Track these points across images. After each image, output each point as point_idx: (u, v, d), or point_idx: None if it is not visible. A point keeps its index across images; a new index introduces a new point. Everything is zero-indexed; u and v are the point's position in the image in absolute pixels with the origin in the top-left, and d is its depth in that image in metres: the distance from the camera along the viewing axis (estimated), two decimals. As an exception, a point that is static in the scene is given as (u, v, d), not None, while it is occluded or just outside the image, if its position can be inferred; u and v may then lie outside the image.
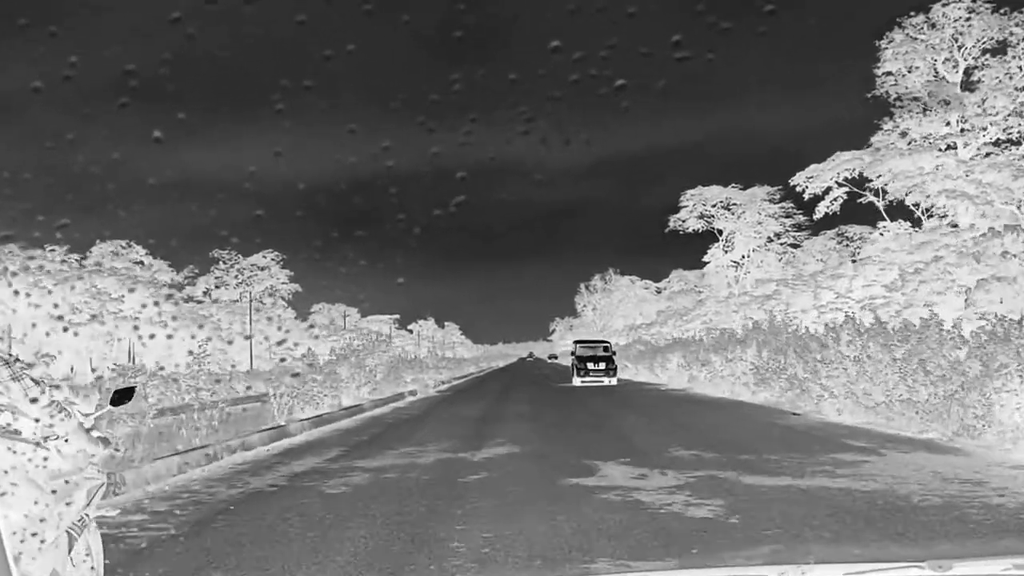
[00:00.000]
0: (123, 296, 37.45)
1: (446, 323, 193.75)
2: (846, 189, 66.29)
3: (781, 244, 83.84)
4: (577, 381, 48.43)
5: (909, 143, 51.88)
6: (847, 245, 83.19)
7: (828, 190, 67.24)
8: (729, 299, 75.69)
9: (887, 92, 54.29)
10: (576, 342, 52.15)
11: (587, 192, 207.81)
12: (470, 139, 3.53)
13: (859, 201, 66.80)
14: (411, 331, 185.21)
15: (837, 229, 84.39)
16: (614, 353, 52.14)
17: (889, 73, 52.95)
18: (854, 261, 76.78)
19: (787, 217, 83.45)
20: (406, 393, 39.14)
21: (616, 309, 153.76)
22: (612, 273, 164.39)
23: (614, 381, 49.88)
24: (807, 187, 68.06)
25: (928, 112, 50.57)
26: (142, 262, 73.08)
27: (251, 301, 69.35)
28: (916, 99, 50.19)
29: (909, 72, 51.51)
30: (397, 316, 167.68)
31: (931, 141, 51.38)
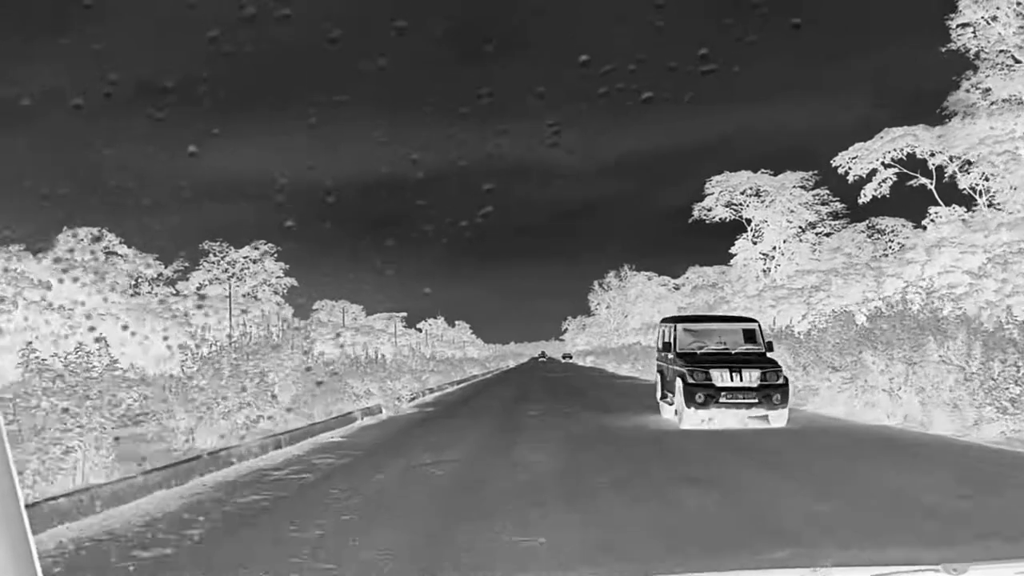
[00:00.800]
0: (49, 283, 31.20)
1: (457, 322, 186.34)
2: (895, 170, 59.56)
3: (816, 234, 76.97)
4: (689, 418, 21.71)
5: (991, 104, 45.06)
6: (877, 238, 76.53)
7: (873, 172, 60.56)
8: (763, 292, 68.92)
9: (965, 46, 47.15)
10: (674, 321, 24.88)
11: (601, 192, 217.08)
12: (499, 150, 3.73)
13: (910, 184, 60.04)
14: (419, 330, 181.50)
15: (868, 221, 77.80)
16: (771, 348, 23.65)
17: (966, 25, 46.05)
18: (885, 255, 70.07)
19: (823, 205, 76.60)
20: (357, 414, 25.35)
21: (632, 307, 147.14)
22: (627, 270, 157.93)
23: (783, 416, 21.95)
24: (850, 168, 61.33)
25: (1017, 67, 43.62)
26: (115, 252, 66.87)
27: (230, 295, 63.05)
28: (1003, 51, 43.12)
29: (992, 22, 44.57)
30: (404, 314, 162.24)
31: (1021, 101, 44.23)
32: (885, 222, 77.22)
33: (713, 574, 4.54)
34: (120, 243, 67.95)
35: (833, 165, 61.92)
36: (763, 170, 79.20)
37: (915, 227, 77.75)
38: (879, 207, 61.78)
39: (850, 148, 60.93)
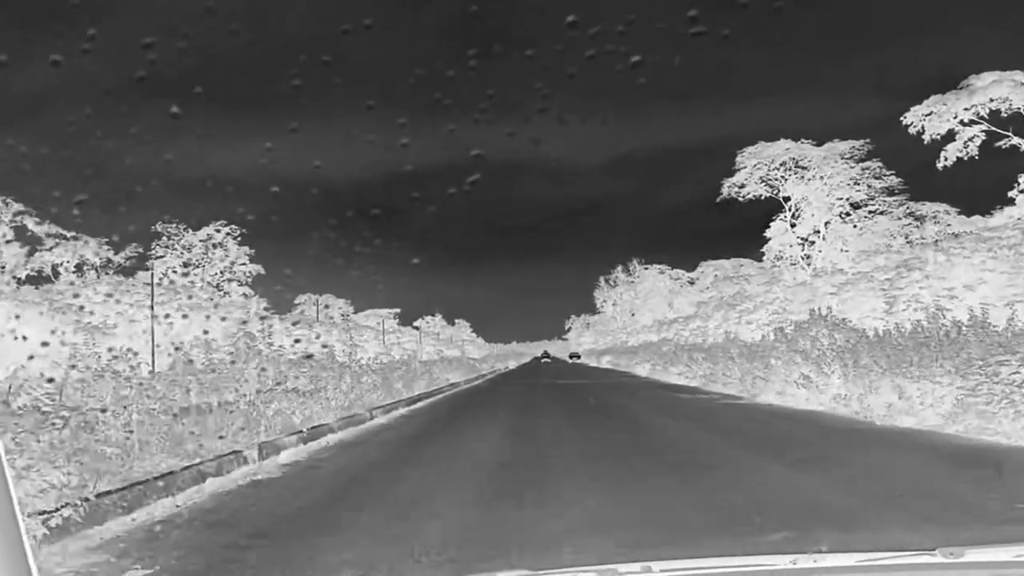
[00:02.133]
0: None
1: (457, 320, 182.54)
2: (982, 127, 48.33)
3: (871, 212, 65.62)
4: None
5: None
6: (917, 226, 65.49)
7: (952, 134, 49.39)
8: (813, 280, 57.62)
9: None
10: None
11: (605, 189, 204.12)
12: (486, 116, 3.56)
13: (998, 145, 48.84)
14: (417, 328, 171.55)
15: (906, 208, 66.69)
16: None
17: None
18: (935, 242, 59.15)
19: (876, 179, 65.28)
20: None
21: (643, 303, 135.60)
22: (636, 264, 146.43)
23: None
24: (924, 126, 50.09)
25: None
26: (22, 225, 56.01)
27: (152, 281, 52.12)
28: None
29: None
30: (398, 311, 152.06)
31: None
32: (925, 208, 66.29)
33: (708, 560, 3.54)
34: (39, 222, 57.03)
35: (904, 123, 50.61)
36: (804, 140, 67.86)
37: (959, 213, 67.18)
38: (973, 169, 50.43)
39: (925, 101, 49.67)
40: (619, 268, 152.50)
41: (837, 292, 46.32)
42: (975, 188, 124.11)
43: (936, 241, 62.62)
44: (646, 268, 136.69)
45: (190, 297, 56.30)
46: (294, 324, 64.73)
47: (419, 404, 31.69)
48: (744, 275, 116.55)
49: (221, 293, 74.40)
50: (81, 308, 35.09)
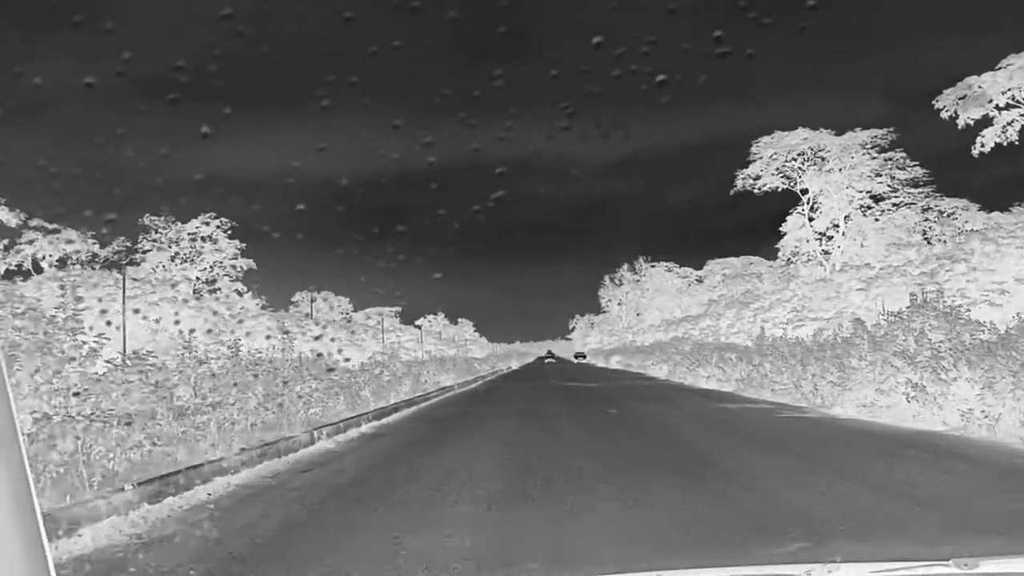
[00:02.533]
0: None
1: (460, 320, 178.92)
2: (1022, 111, 44.96)
3: (895, 205, 62.16)
4: None
5: None
6: (932, 222, 62.10)
7: (988, 119, 45.98)
8: (834, 276, 54.32)
9: None
10: None
11: (610, 189, 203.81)
12: (510, 135, 3.69)
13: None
14: (419, 327, 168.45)
15: (924, 204, 63.28)
16: None
17: None
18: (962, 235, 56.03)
19: (900, 169, 61.81)
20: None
21: (650, 302, 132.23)
22: (642, 263, 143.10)
23: None
24: (958, 111, 46.66)
25: None
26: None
27: (123, 274, 48.95)
28: None
29: None
30: (399, 309, 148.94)
31: None
32: (944, 204, 62.89)
33: (719, 569, 3.69)
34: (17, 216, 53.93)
35: (936, 107, 47.19)
36: (823, 128, 64.39)
37: (980, 209, 63.79)
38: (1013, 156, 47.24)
39: (959, 84, 46.27)
40: (625, 267, 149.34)
41: (866, 288, 42.88)
42: (991, 182, 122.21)
43: (965, 231, 59.26)
44: (653, 266, 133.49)
45: (172, 286, 53.08)
46: (316, 337, 61.58)
47: (389, 418, 23.89)
48: (754, 273, 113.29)
49: (211, 289, 71.19)
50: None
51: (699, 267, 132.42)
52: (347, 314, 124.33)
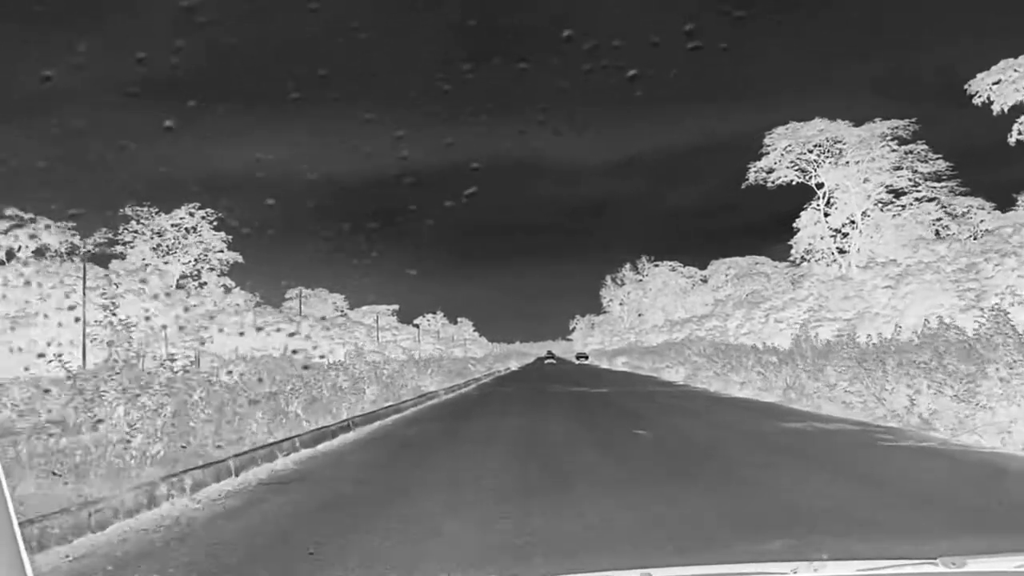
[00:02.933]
0: None
1: (459, 319, 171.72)
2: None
3: (918, 199, 58.83)
4: None
5: None
6: (948, 220, 58.82)
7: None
8: (862, 273, 51.08)
9: None
10: None
11: (611, 190, 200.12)
12: (485, 129, 3.89)
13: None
14: (417, 326, 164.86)
15: (938, 202, 59.97)
16: None
17: None
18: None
19: (922, 162, 58.45)
20: None
21: (653, 302, 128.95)
22: (645, 262, 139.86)
23: None
24: (992, 95, 43.33)
25: None
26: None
27: (83, 263, 45.86)
28: None
29: None
30: (396, 307, 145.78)
31: None
32: (957, 202, 59.59)
33: (708, 567, 3.67)
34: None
35: (968, 92, 43.85)
36: (840, 119, 61.00)
37: (994, 208, 60.51)
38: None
39: (994, 68, 42.93)
40: (627, 266, 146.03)
41: (893, 286, 39.54)
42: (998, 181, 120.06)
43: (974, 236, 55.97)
44: (656, 265, 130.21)
45: (141, 280, 49.89)
46: (305, 336, 58.43)
47: (328, 444, 16.54)
48: (762, 272, 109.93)
49: (198, 283, 67.86)
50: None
51: (703, 267, 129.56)
52: (342, 311, 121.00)
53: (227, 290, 72.18)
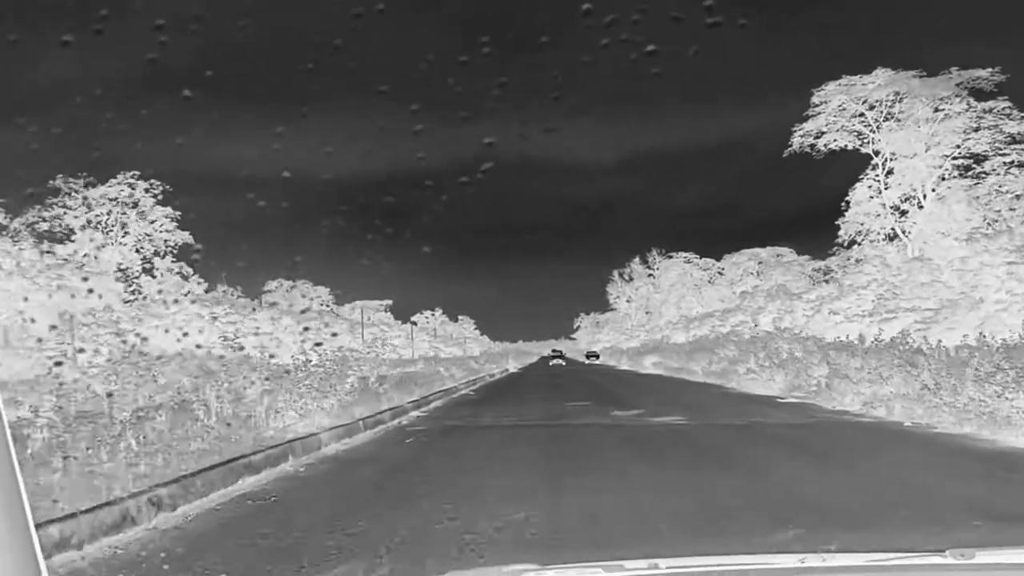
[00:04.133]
0: None
1: (460, 317, 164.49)
2: None
3: (1006, 165, 48.49)
4: None
5: None
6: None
7: None
8: (951, 252, 40.99)
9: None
10: None
11: (616, 187, 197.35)
12: (499, 105, 3.69)
13: None
14: (415, 323, 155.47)
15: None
16: None
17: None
18: None
19: (1007, 116, 48.16)
20: None
21: (666, 297, 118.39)
22: (656, 255, 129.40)
23: None
24: None
25: None
26: None
27: None
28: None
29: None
30: (389, 302, 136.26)
31: None
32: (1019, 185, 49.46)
33: (715, 557, 3.45)
34: None
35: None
36: (904, 70, 50.63)
37: None
38: None
39: None
40: (636, 260, 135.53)
41: (1018, 263, 29.26)
42: None
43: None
44: (669, 257, 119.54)
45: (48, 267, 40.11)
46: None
47: None
48: (796, 261, 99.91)
49: (142, 266, 57.61)
50: None
51: (717, 260, 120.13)
52: (328, 305, 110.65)
53: (184, 277, 62.01)
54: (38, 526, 1.95)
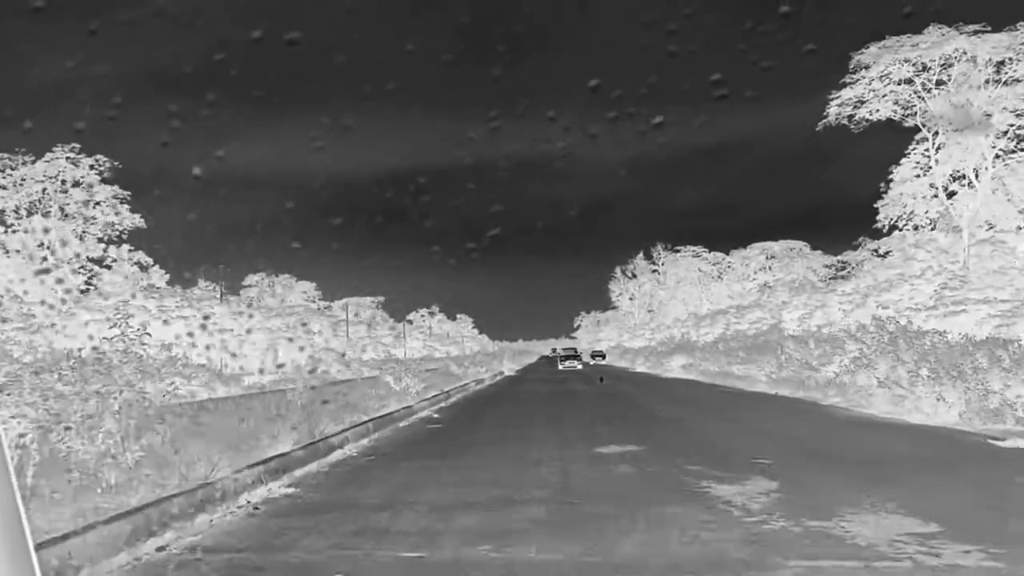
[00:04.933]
0: None
1: (459, 315, 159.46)
2: None
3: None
4: None
5: None
6: None
7: None
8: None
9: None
10: None
11: (617, 187, 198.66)
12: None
13: None
14: (410, 321, 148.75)
15: None
16: None
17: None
18: None
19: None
20: None
21: (674, 294, 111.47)
22: (661, 250, 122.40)
23: None
24: None
25: None
26: None
27: None
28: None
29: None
30: (381, 299, 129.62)
31: None
32: None
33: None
34: None
35: None
36: (961, 26, 43.71)
37: None
38: None
39: None
40: (639, 255, 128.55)
41: None
42: None
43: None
44: (677, 251, 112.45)
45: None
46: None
47: None
48: (805, 256, 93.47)
49: (87, 254, 50.74)
50: None
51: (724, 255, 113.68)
52: (314, 300, 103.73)
53: (143, 267, 55.14)
54: None
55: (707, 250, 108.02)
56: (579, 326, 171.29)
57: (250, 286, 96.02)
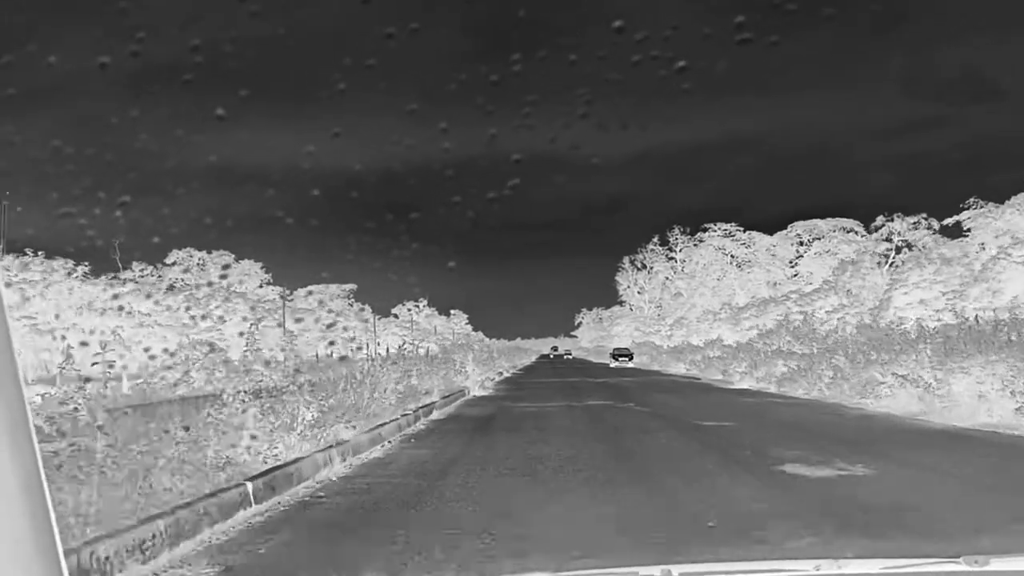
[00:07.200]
0: None
1: (452, 311, 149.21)
2: None
3: None
4: None
5: None
6: None
7: None
8: None
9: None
10: None
11: (621, 185, 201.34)
12: (528, 122, 3.60)
13: None
14: (396, 316, 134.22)
15: None
16: None
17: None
18: None
19: None
20: None
21: (700, 282, 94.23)
22: (679, 235, 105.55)
23: None
24: None
25: None
26: None
27: None
28: None
29: None
30: (353, 287, 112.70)
31: None
32: None
33: (729, 563, 3.87)
34: None
35: None
36: None
37: None
38: None
39: None
40: (654, 240, 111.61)
41: None
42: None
43: None
44: (704, 231, 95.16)
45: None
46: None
47: None
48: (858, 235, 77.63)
49: None
50: None
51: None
52: (263, 285, 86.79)
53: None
54: None
55: (742, 229, 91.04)
56: (580, 324, 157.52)
57: (175, 264, 78.15)
